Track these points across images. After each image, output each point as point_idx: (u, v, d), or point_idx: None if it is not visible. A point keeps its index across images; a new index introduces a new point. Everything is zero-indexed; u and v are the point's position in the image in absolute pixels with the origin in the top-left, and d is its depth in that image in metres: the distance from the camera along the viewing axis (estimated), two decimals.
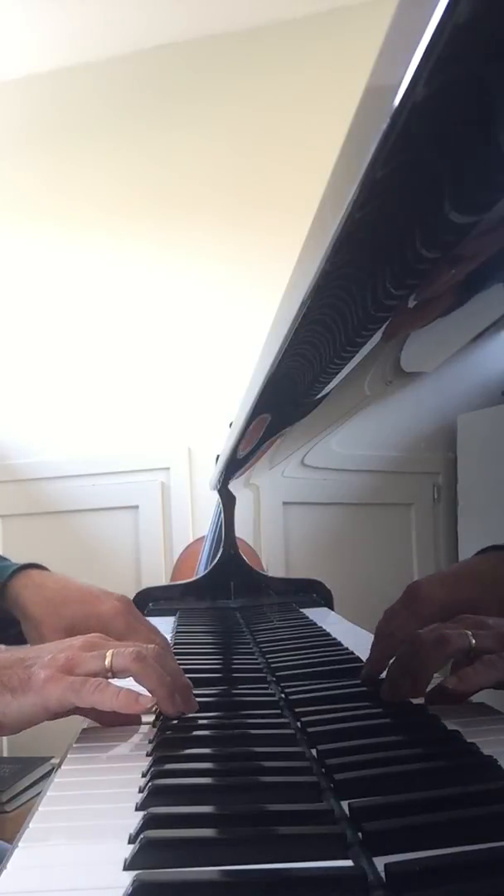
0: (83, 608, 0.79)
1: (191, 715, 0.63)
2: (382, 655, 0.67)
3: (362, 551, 0.97)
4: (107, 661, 0.61)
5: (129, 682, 0.61)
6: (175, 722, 0.61)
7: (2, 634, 0.83)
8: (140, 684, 0.62)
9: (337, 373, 0.71)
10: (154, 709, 0.61)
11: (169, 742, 0.57)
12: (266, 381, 0.75)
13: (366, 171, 0.33)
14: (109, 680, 0.61)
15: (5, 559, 0.88)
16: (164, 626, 1.14)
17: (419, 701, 0.61)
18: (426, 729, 0.56)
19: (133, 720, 0.63)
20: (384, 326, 0.57)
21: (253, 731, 0.60)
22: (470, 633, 0.56)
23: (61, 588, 0.82)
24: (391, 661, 0.64)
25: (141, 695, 0.59)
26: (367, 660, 0.69)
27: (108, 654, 0.61)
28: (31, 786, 2.26)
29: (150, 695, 0.60)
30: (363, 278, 0.49)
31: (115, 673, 0.61)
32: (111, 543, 2.75)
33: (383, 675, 0.66)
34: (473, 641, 0.55)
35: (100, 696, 0.58)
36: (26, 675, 0.59)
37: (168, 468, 2.74)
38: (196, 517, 2.68)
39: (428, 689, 0.60)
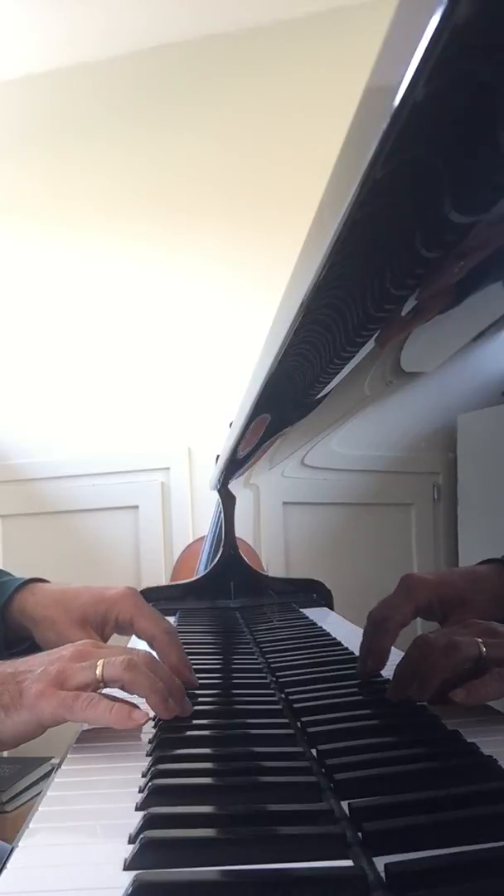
0: (92, 596, 0.80)
1: (191, 714, 0.63)
2: (374, 642, 0.67)
3: (362, 551, 0.97)
4: (98, 672, 0.60)
5: None
6: (175, 722, 0.62)
7: (12, 651, 0.83)
8: (132, 693, 0.62)
9: (337, 373, 0.71)
10: (147, 721, 0.61)
11: (169, 742, 0.57)
12: (266, 381, 0.75)
13: (366, 171, 0.33)
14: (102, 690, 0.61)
15: (7, 573, 0.88)
16: None
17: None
18: (426, 729, 0.56)
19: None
20: (384, 328, 0.57)
21: (253, 732, 0.60)
22: (480, 640, 0.56)
23: (66, 588, 0.83)
24: (384, 650, 0.65)
25: (134, 709, 0.59)
26: (360, 647, 0.69)
27: (99, 664, 0.61)
28: (31, 786, 2.26)
29: (143, 709, 0.60)
30: (363, 278, 0.49)
31: (107, 683, 0.61)
32: (111, 543, 2.75)
33: (381, 671, 0.67)
34: (484, 650, 0.55)
35: (92, 711, 0.58)
36: (18, 692, 0.59)
37: (168, 468, 2.74)
38: (196, 517, 2.68)
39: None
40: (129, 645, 0.81)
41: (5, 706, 0.59)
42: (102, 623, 0.78)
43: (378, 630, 0.68)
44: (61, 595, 0.81)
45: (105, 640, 0.78)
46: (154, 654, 0.71)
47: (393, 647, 0.72)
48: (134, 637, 0.81)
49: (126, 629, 0.79)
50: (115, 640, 0.81)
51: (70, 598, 0.80)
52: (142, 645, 0.78)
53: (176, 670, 0.73)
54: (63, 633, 0.77)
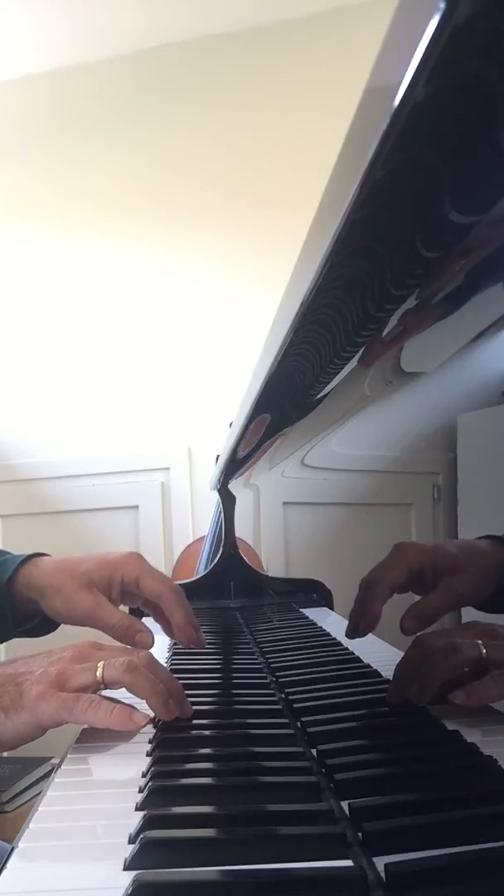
0: (95, 561, 0.79)
1: (191, 714, 0.63)
2: (366, 604, 0.68)
3: (362, 551, 0.97)
4: (98, 674, 0.60)
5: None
6: (175, 722, 0.62)
7: (22, 629, 0.82)
8: (133, 694, 0.62)
9: (337, 373, 0.71)
10: (148, 723, 0.61)
11: (169, 742, 0.57)
12: (266, 381, 0.75)
13: (366, 171, 0.33)
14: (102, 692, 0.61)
15: (6, 552, 0.88)
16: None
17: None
18: (426, 729, 0.56)
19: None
20: (384, 330, 0.57)
21: (253, 732, 0.60)
22: (481, 642, 0.56)
23: (69, 557, 0.83)
24: (375, 612, 0.65)
25: (135, 711, 0.59)
26: (351, 611, 0.70)
27: (100, 666, 0.61)
28: (31, 786, 2.25)
29: (143, 712, 0.60)
30: (363, 278, 0.49)
31: (107, 685, 0.61)
32: (111, 543, 2.75)
33: (363, 627, 0.68)
34: (484, 651, 0.55)
35: (93, 713, 0.58)
36: (18, 693, 0.59)
37: (168, 468, 2.73)
38: (196, 517, 2.68)
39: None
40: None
41: (5, 708, 0.59)
42: (108, 586, 0.78)
43: (369, 591, 0.68)
44: (64, 563, 0.81)
45: (114, 604, 0.78)
46: (177, 591, 0.71)
47: (393, 648, 0.72)
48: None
49: (132, 590, 0.79)
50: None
51: (74, 564, 0.80)
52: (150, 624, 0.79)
53: (182, 628, 0.74)
54: (70, 599, 0.77)
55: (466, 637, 0.57)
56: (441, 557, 0.64)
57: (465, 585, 0.61)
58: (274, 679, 0.77)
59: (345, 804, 0.43)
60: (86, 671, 0.61)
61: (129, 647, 0.72)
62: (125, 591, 0.79)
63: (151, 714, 0.61)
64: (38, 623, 0.82)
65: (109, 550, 0.82)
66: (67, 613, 0.76)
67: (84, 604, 0.76)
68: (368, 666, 0.75)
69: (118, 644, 0.73)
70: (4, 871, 0.38)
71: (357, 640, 0.73)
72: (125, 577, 0.78)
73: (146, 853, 0.38)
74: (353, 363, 0.67)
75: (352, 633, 0.71)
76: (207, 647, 1.01)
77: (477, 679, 0.55)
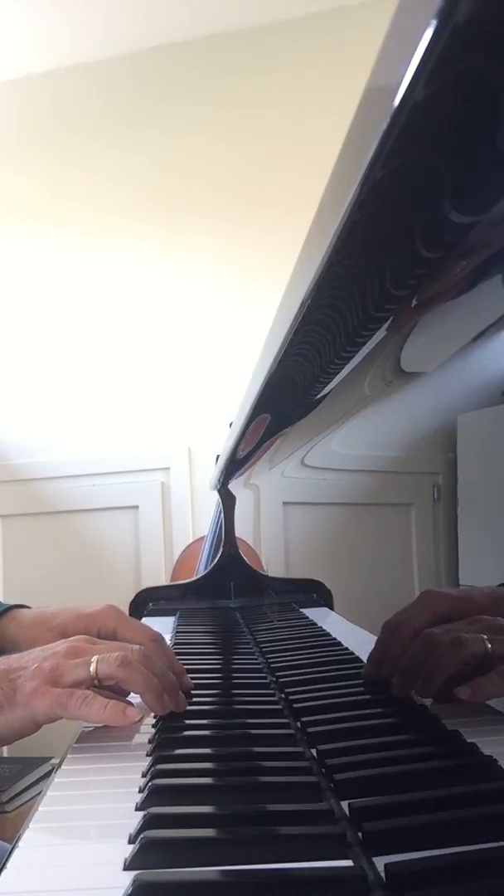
0: (71, 614, 0.80)
1: (190, 715, 0.63)
2: (386, 649, 0.67)
3: (362, 551, 0.97)
4: (92, 669, 0.60)
5: None
6: (175, 722, 0.61)
7: None
8: (127, 689, 0.62)
9: (337, 373, 0.71)
10: (142, 719, 0.61)
11: (169, 742, 0.57)
12: (266, 381, 0.76)
13: (366, 171, 0.33)
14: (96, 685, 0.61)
15: None
16: (164, 626, 1.14)
17: (422, 701, 0.61)
18: (426, 729, 0.56)
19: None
20: (384, 327, 0.57)
21: (253, 732, 0.60)
22: (486, 637, 0.56)
23: (45, 609, 0.84)
24: (396, 656, 0.64)
25: (129, 706, 0.59)
26: (370, 654, 0.69)
27: (93, 660, 0.61)
28: (31, 786, 2.25)
29: (137, 707, 0.60)
30: (363, 278, 0.49)
31: (101, 680, 0.61)
32: (111, 543, 2.75)
33: (383, 670, 0.66)
34: (489, 646, 0.55)
35: (87, 709, 0.58)
36: (12, 689, 0.59)
37: (168, 468, 2.73)
38: (196, 517, 2.68)
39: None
40: None
41: None
42: None
43: (392, 635, 0.66)
44: (41, 615, 0.82)
45: None
46: (156, 639, 0.71)
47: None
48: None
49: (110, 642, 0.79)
50: None
51: (49, 617, 0.81)
52: None
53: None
54: None
55: (472, 632, 0.57)
56: (468, 606, 0.63)
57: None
58: (274, 679, 0.77)
59: (345, 804, 0.43)
60: (79, 666, 0.61)
61: (123, 643, 0.72)
62: None
63: (146, 709, 0.61)
64: None
65: (87, 605, 0.82)
66: None
67: None
68: None
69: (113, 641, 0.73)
70: (4, 871, 0.38)
71: (357, 639, 0.73)
72: (101, 629, 0.77)
73: (146, 853, 0.38)
74: (353, 363, 0.67)
75: (370, 673, 0.69)
76: (207, 646, 1.01)
77: (481, 674, 0.55)
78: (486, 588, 0.63)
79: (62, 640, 0.65)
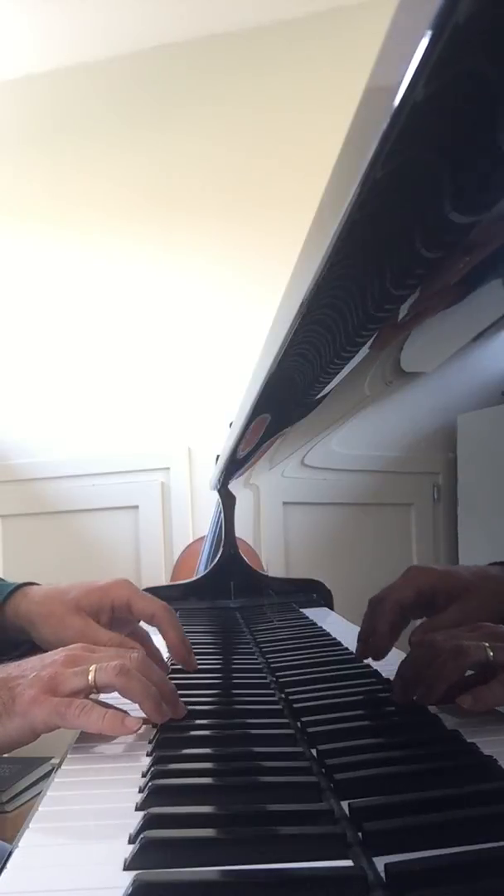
0: (84, 587, 0.80)
1: (190, 715, 0.63)
2: (373, 621, 0.68)
3: (362, 551, 0.97)
4: (90, 678, 0.60)
5: None
6: (175, 722, 0.61)
7: (7, 657, 0.83)
8: (125, 698, 0.62)
9: (337, 373, 0.71)
10: (141, 728, 0.61)
11: (169, 742, 0.57)
12: (266, 381, 0.75)
13: (366, 171, 0.33)
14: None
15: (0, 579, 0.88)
16: None
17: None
18: (426, 729, 0.56)
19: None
20: (384, 327, 0.57)
21: (253, 732, 0.60)
22: (487, 644, 0.56)
23: (58, 585, 0.84)
24: (380, 631, 0.65)
25: (127, 716, 0.59)
26: (359, 632, 0.70)
27: (92, 669, 0.61)
28: (31, 786, 2.25)
29: (135, 716, 0.59)
30: (363, 278, 0.49)
31: (100, 689, 0.61)
32: (111, 543, 2.75)
33: (378, 652, 0.67)
34: (491, 654, 0.55)
35: (85, 718, 0.58)
36: (10, 698, 0.59)
37: (168, 468, 2.73)
38: (196, 517, 2.68)
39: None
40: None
41: None
42: (97, 611, 0.79)
43: (376, 609, 0.68)
44: (53, 590, 0.82)
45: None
46: (167, 610, 0.71)
47: (394, 648, 0.72)
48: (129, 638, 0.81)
49: (124, 615, 0.79)
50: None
51: (62, 591, 0.81)
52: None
53: (175, 648, 0.75)
54: (60, 625, 0.77)
55: (473, 639, 0.57)
56: (453, 581, 0.64)
57: (477, 610, 0.61)
58: (274, 679, 0.77)
59: (345, 804, 0.43)
60: (78, 675, 0.60)
61: (121, 649, 0.72)
62: (116, 618, 0.80)
63: (144, 718, 0.61)
64: (25, 651, 0.83)
65: (98, 578, 0.82)
66: (57, 639, 0.77)
67: (73, 627, 0.76)
68: (368, 666, 0.75)
69: (112, 648, 0.73)
70: (4, 871, 0.38)
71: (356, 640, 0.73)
72: (115, 601, 0.78)
73: (146, 853, 0.38)
74: (353, 363, 0.67)
75: (362, 653, 0.70)
76: (207, 646, 1.01)
77: (482, 681, 0.55)
78: (472, 566, 0.63)
79: (61, 649, 0.65)
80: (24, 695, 0.59)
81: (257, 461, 1.33)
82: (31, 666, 0.63)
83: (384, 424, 0.82)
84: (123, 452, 2.74)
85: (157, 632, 0.80)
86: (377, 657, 0.70)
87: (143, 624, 0.83)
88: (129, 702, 0.62)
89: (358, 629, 0.73)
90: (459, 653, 0.56)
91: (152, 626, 0.78)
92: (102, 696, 0.65)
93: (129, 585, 0.80)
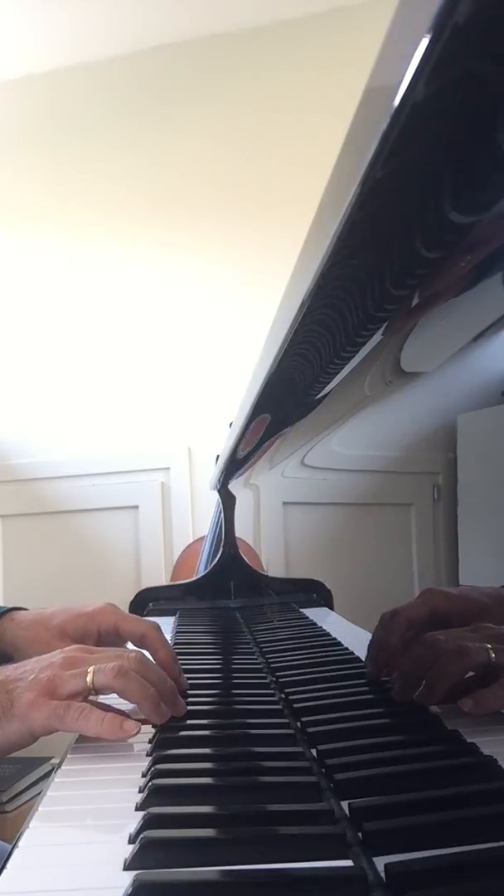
0: (69, 613, 0.81)
1: (190, 715, 0.63)
2: (381, 640, 0.68)
3: (362, 551, 0.97)
4: (88, 679, 0.60)
5: None
6: (175, 722, 0.61)
7: None
8: (124, 699, 0.62)
9: (337, 373, 0.71)
10: (139, 732, 0.61)
11: (169, 742, 0.57)
12: (266, 381, 0.75)
13: (366, 171, 0.33)
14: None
15: None
16: (165, 626, 1.14)
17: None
18: (426, 729, 0.56)
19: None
20: (384, 327, 0.57)
21: (253, 732, 0.60)
22: (490, 646, 0.55)
23: (44, 610, 0.84)
24: (391, 646, 0.65)
25: (126, 719, 0.59)
26: (368, 648, 0.69)
27: (90, 671, 0.61)
28: (31, 786, 2.25)
29: (134, 720, 0.59)
30: (363, 278, 0.49)
31: (98, 690, 0.61)
32: (111, 543, 2.75)
33: (380, 661, 0.66)
34: (493, 656, 0.55)
35: (84, 722, 0.58)
36: (9, 701, 0.59)
37: (168, 468, 2.73)
38: (196, 517, 2.68)
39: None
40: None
41: None
42: (83, 636, 0.79)
43: (387, 624, 0.68)
44: (39, 616, 0.83)
45: None
46: (145, 653, 0.71)
47: None
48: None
49: (111, 639, 0.79)
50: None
51: (48, 617, 0.82)
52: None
53: (166, 668, 0.74)
54: (45, 650, 0.77)
55: (475, 640, 0.57)
56: (469, 604, 0.64)
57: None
58: (274, 679, 0.76)
59: (345, 804, 0.43)
60: (76, 677, 0.60)
61: (119, 650, 0.72)
62: (102, 642, 0.80)
63: (143, 719, 0.61)
64: None
65: (85, 603, 0.82)
66: None
67: None
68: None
69: (110, 648, 0.73)
70: (4, 871, 0.38)
71: (357, 639, 0.73)
72: (102, 626, 0.78)
73: (146, 853, 0.38)
74: (353, 363, 0.67)
75: (373, 669, 0.70)
76: (207, 646, 1.01)
77: (483, 683, 0.55)
78: (487, 588, 0.63)
79: (59, 651, 0.65)
80: (23, 698, 0.58)
81: (257, 461, 1.33)
82: (29, 668, 0.63)
83: (384, 424, 0.82)
84: (123, 452, 2.74)
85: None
86: (384, 674, 0.69)
87: (129, 645, 0.82)
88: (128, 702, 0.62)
89: (357, 629, 0.73)
90: (461, 654, 0.56)
91: (142, 647, 0.77)
92: (102, 697, 0.65)
93: (116, 610, 0.81)
